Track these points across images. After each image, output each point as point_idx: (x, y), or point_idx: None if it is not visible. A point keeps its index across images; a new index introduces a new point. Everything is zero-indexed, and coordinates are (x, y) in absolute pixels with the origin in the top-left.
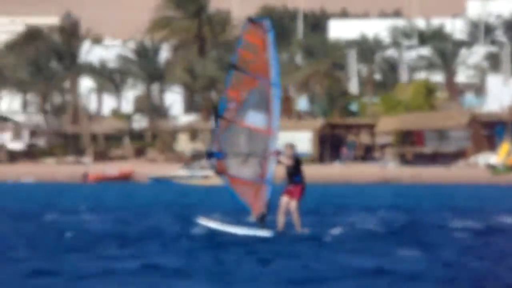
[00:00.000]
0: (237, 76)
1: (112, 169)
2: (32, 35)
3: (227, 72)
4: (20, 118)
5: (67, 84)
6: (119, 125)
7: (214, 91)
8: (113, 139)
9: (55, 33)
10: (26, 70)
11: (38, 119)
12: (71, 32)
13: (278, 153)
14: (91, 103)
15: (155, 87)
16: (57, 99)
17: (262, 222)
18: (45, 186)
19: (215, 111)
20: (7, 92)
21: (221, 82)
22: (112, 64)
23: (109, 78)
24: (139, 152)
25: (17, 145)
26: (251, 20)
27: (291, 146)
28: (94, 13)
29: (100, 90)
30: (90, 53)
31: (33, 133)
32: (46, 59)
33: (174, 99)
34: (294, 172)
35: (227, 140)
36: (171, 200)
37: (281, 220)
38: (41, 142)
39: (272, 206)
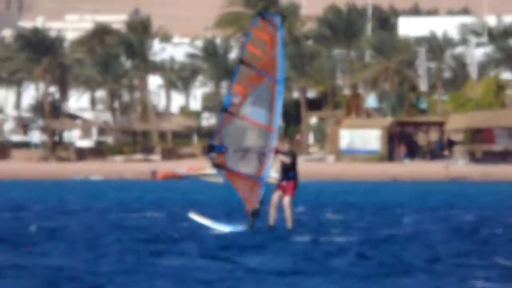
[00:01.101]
0: (244, 71)
1: (181, 167)
2: (101, 32)
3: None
4: (88, 115)
5: (135, 82)
6: (187, 122)
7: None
8: (182, 136)
9: (126, 30)
10: (95, 68)
11: (106, 116)
12: (142, 29)
13: (277, 151)
14: (160, 101)
15: (224, 84)
16: (125, 96)
17: (254, 217)
18: (114, 183)
19: (221, 106)
20: (75, 90)
21: (291, 80)
22: (181, 61)
23: (178, 76)
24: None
25: (85, 143)
26: (262, 15)
27: (287, 142)
28: (162, 11)
29: (168, 87)
30: (160, 51)
31: (101, 130)
32: (115, 56)
33: None
34: (290, 167)
35: (229, 134)
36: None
37: (272, 214)
38: (109, 139)
39: (266, 202)
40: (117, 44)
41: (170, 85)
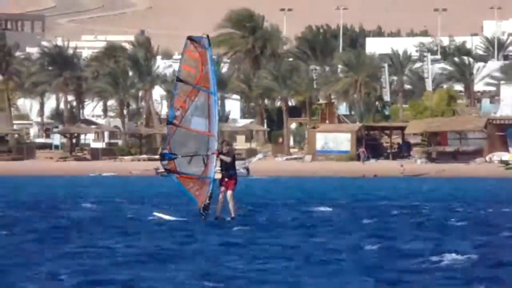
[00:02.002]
0: (182, 88)
1: None
2: (112, 50)
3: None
4: (101, 121)
5: (141, 92)
6: None
7: (267, 99)
8: None
9: (134, 48)
10: (107, 81)
11: (116, 122)
12: (145, 48)
13: (219, 153)
14: (162, 109)
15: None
16: (133, 105)
17: (206, 210)
18: (123, 179)
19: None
20: (90, 99)
21: (274, 91)
22: None
23: None
24: None
25: (98, 145)
26: (191, 39)
27: (227, 144)
28: (166, 32)
29: (170, 97)
30: (162, 66)
31: (112, 134)
32: (124, 71)
33: (233, 106)
34: (230, 166)
35: (176, 142)
36: None
37: (219, 207)
38: (119, 142)
39: (214, 197)
40: (125, 60)
41: (171, 95)
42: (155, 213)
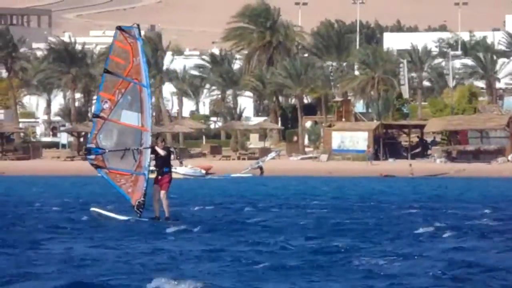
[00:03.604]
0: (110, 79)
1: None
2: None
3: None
4: None
5: (151, 89)
6: (197, 125)
7: (281, 96)
8: (192, 138)
9: (143, 44)
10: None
11: None
12: (155, 44)
13: (153, 147)
14: (173, 106)
15: (229, 92)
16: None
17: (140, 208)
18: None
19: (92, 114)
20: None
21: (288, 88)
22: (191, 71)
23: (189, 84)
24: (215, 150)
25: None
26: (121, 28)
27: (162, 140)
28: (176, 27)
29: (180, 94)
30: (172, 62)
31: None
32: None
33: (246, 103)
34: (164, 163)
35: (104, 136)
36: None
37: (156, 207)
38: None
39: (148, 194)
40: None
41: (181, 92)
42: (93, 209)
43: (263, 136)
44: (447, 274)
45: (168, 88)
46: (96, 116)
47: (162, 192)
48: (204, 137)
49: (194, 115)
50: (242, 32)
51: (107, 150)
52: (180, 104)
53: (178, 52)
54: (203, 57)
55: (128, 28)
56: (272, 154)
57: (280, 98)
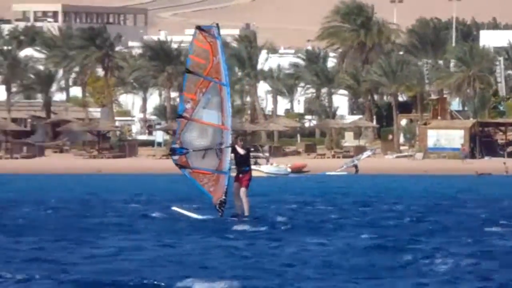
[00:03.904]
0: (191, 79)
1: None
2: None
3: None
4: None
5: (246, 88)
6: (291, 124)
7: (376, 94)
8: (287, 136)
9: (238, 42)
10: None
11: None
12: (250, 43)
13: (233, 146)
14: (267, 105)
15: (324, 90)
16: (237, 101)
17: (222, 207)
18: None
19: (176, 114)
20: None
21: (383, 86)
22: (286, 70)
23: (283, 83)
24: (310, 148)
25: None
26: (200, 28)
27: (241, 139)
28: (271, 25)
29: (275, 93)
30: (267, 61)
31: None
32: (228, 66)
33: (341, 101)
34: (244, 162)
35: (187, 136)
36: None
37: (237, 204)
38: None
39: (230, 192)
40: (229, 55)
41: (276, 91)
42: (173, 208)
43: (358, 134)
44: None
45: (262, 87)
46: (179, 116)
47: (242, 190)
48: (298, 135)
49: (289, 113)
50: (336, 31)
51: (190, 150)
52: (275, 102)
53: (273, 50)
54: (298, 55)
55: (208, 27)
56: (367, 153)
57: (375, 96)
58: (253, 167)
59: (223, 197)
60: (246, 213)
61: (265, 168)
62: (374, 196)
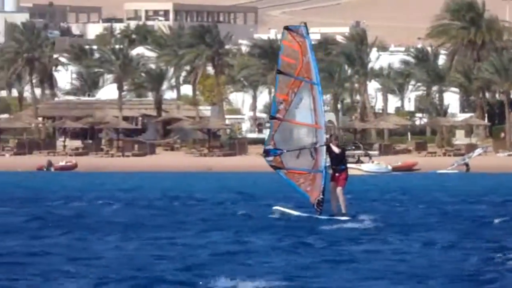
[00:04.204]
0: (283, 80)
1: (396, 160)
2: (326, 42)
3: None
4: None
5: (356, 86)
6: (402, 122)
7: (488, 92)
8: (397, 134)
9: (348, 40)
10: (321, 74)
11: (331, 116)
12: (360, 41)
13: (328, 145)
14: (378, 103)
15: (435, 88)
16: (347, 99)
17: (320, 206)
18: None
19: (269, 115)
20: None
21: (495, 83)
22: (396, 68)
23: (394, 81)
24: (420, 147)
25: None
26: (288, 28)
27: (335, 138)
28: (381, 23)
29: (385, 91)
30: (377, 59)
31: (326, 129)
32: (338, 64)
33: (452, 99)
34: (340, 161)
35: (281, 137)
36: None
37: (333, 204)
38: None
39: (327, 190)
40: (339, 53)
41: (386, 89)
42: (276, 208)
43: (469, 132)
44: None
45: (373, 85)
46: (272, 117)
47: (339, 189)
48: (409, 133)
49: (399, 111)
50: (447, 28)
51: (284, 151)
52: (385, 100)
53: (383, 48)
54: (408, 53)
55: (296, 27)
56: (479, 150)
57: (487, 94)
58: (353, 165)
59: (321, 196)
60: (344, 211)
61: (365, 166)
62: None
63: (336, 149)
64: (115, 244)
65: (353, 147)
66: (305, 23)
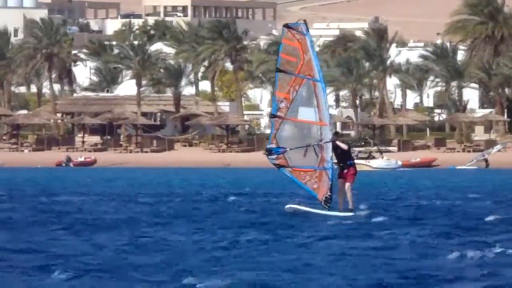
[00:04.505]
0: (283, 78)
1: (414, 156)
2: (344, 38)
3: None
4: (333, 111)
5: (375, 82)
6: (421, 118)
7: (508, 88)
8: (416, 130)
9: (366, 36)
10: (339, 70)
11: (349, 112)
12: (379, 36)
13: (334, 141)
14: (396, 98)
15: (454, 84)
16: (366, 95)
17: (327, 203)
18: None
19: (270, 114)
20: None
21: None
22: (415, 63)
23: (413, 76)
24: (439, 143)
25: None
26: (288, 26)
27: (340, 135)
28: (400, 19)
29: (404, 86)
30: (397, 55)
31: (345, 125)
32: (357, 59)
33: (471, 95)
34: (347, 157)
35: (284, 135)
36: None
37: (340, 201)
38: (351, 133)
39: (334, 187)
40: (358, 48)
41: (405, 84)
42: (289, 206)
43: (489, 128)
44: None
45: (391, 81)
46: (273, 116)
47: (347, 184)
48: (428, 129)
49: (418, 107)
50: (465, 24)
51: (288, 149)
52: (404, 96)
53: (402, 44)
54: (427, 48)
55: (295, 24)
56: (498, 146)
57: (506, 90)
58: (361, 161)
59: (328, 193)
60: (351, 207)
61: (374, 162)
62: None
63: (343, 146)
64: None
65: (363, 143)
66: (305, 21)
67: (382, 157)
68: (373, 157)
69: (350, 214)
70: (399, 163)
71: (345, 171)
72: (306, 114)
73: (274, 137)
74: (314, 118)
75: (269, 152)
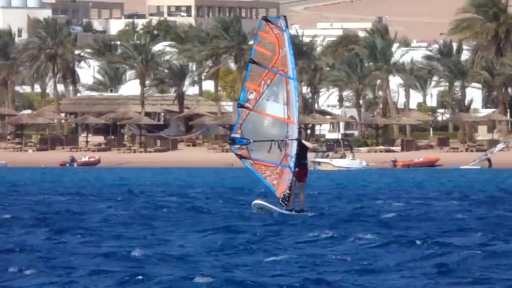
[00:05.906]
0: (256, 70)
1: (418, 156)
2: (348, 38)
3: None
4: (336, 111)
5: (378, 82)
6: (424, 117)
7: (511, 87)
8: (419, 130)
9: (370, 36)
10: (342, 70)
11: (352, 112)
12: (382, 36)
13: (299, 140)
14: (400, 98)
15: (457, 83)
16: (369, 95)
17: (285, 201)
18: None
19: (237, 103)
20: (325, 89)
21: None
22: (418, 63)
23: (416, 76)
24: (442, 142)
25: (334, 136)
26: (266, 19)
27: (299, 133)
28: (404, 19)
29: (407, 86)
30: (400, 55)
31: (348, 125)
32: (360, 59)
33: (474, 94)
34: (302, 156)
35: (249, 127)
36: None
37: (291, 199)
38: (355, 133)
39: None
40: (361, 48)
41: (409, 84)
42: (256, 201)
43: (492, 128)
44: None
45: (394, 80)
46: (241, 106)
47: (300, 184)
48: (431, 129)
49: (421, 107)
50: (469, 24)
51: (251, 141)
52: (407, 96)
53: (405, 44)
54: (430, 48)
55: (275, 19)
56: (501, 145)
57: (509, 90)
58: (325, 160)
59: (287, 191)
60: (302, 207)
61: (336, 162)
62: None
63: (309, 144)
64: None
65: (334, 143)
66: (285, 16)
67: (353, 157)
68: (345, 156)
69: (303, 214)
70: (364, 163)
71: (298, 170)
72: (274, 109)
73: (240, 127)
74: (282, 115)
75: (232, 141)
